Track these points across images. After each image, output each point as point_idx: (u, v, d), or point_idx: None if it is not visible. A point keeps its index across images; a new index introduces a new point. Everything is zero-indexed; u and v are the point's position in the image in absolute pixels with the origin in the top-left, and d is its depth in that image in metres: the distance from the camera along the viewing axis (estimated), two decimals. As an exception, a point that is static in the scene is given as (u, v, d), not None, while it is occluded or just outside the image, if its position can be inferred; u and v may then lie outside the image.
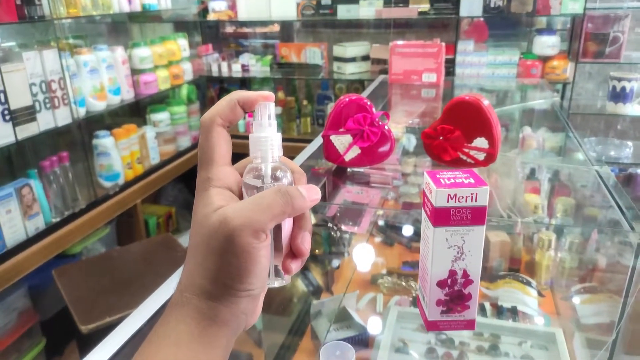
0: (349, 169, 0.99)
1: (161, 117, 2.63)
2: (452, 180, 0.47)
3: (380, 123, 0.88)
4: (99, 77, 2.19)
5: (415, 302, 1.04)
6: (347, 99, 0.88)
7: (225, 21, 3.12)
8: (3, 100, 1.68)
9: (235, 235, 0.32)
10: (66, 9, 2.03)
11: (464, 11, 2.46)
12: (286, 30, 3.18)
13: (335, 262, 1.23)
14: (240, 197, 0.37)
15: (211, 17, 3.02)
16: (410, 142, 1.29)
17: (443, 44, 1.83)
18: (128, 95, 2.40)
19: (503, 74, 2.53)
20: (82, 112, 2.09)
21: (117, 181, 2.27)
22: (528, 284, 1.07)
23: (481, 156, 0.85)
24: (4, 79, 1.67)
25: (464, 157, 0.86)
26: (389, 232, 1.31)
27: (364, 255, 1.27)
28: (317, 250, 1.22)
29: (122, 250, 2.06)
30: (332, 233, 1.22)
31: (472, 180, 0.47)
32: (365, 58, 2.85)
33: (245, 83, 3.15)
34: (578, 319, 0.98)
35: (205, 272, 0.34)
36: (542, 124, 1.58)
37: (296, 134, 2.94)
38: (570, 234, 1.06)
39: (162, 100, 2.77)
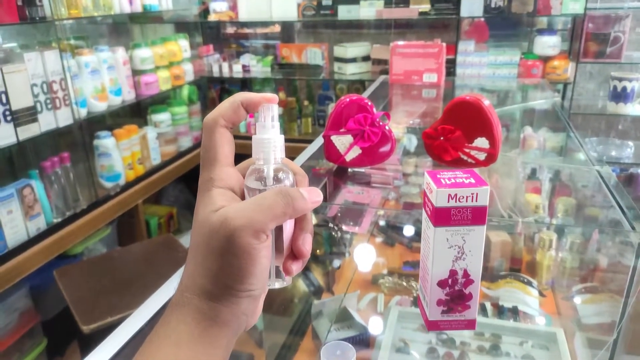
0: (349, 169, 0.99)
1: (162, 117, 2.63)
2: (453, 180, 0.47)
3: (381, 123, 0.88)
4: (100, 77, 2.20)
5: (416, 302, 1.04)
6: (347, 100, 0.88)
7: (226, 22, 3.13)
8: (4, 101, 1.68)
9: (236, 236, 0.32)
10: (67, 10, 2.04)
11: (464, 11, 2.46)
12: (287, 31, 3.18)
13: (336, 262, 1.23)
14: (243, 198, 0.37)
15: (212, 17, 3.02)
16: (411, 142, 1.29)
17: (444, 44, 1.83)
18: (129, 95, 2.40)
19: (504, 74, 2.52)
20: (83, 112, 2.09)
21: (118, 182, 2.27)
22: (529, 283, 1.07)
23: (482, 156, 0.85)
24: (5, 80, 1.67)
25: (465, 157, 0.86)
26: (389, 232, 1.31)
27: (364, 256, 1.27)
28: (318, 251, 1.22)
29: (123, 251, 2.06)
30: (333, 233, 1.22)
31: (472, 180, 0.47)
32: (366, 58, 2.86)
33: (246, 84, 3.15)
34: (579, 318, 0.98)
35: (205, 272, 0.34)
36: (543, 124, 1.58)
37: (297, 134, 2.95)
38: (571, 234, 1.06)
39: (163, 100, 2.77)
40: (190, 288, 0.34)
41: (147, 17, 2.81)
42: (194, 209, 0.36)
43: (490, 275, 1.12)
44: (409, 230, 1.30)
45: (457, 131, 0.85)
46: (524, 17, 2.50)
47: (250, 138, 0.37)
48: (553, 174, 1.28)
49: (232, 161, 0.38)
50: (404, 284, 1.11)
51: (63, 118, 1.95)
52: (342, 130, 0.89)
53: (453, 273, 0.50)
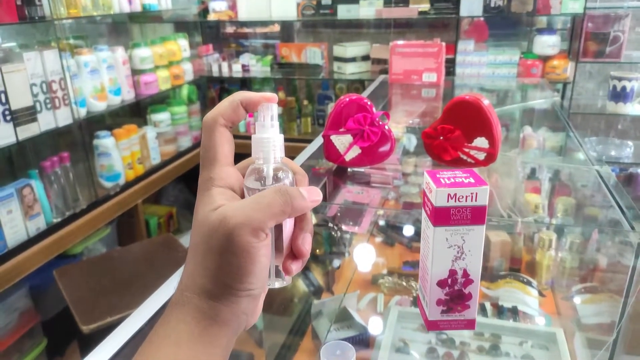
0: (349, 169, 0.99)
1: (162, 117, 2.63)
2: (452, 180, 0.47)
3: (380, 123, 0.88)
4: (100, 77, 2.19)
5: (416, 302, 1.04)
6: (347, 99, 0.88)
7: (225, 21, 3.12)
8: (4, 100, 1.68)
9: (235, 234, 0.32)
10: (67, 10, 2.04)
11: (464, 11, 2.46)
12: (286, 31, 3.18)
13: (336, 262, 1.23)
14: (242, 197, 0.37)
15: (211, 17, 3.02)
16: (411, 142, 1.29)
17: (443, 43, 1.83)
18: (128, 95, 2.40)
19: (503, 74, 2.52)
20: (82, 112, 2.09)
21: (117, 181, 2.27)
22: (529, 283, 1.07)
23: (481, 156, 0.85)
24: (4, 80, 1.67)
25: (464, 157, 0.86)
26: (389, 232, 1.31)
27: (364, 255, 1.27)
28: (317, 250, 1.22)
29: (123, 251, 2.06)
30: (333, 233, 1.22)
31: (472, 180, 0.47)
32: (366, 58, 2.86)
33: (245, 83, 3.15)
34: (579, 318, 0.98)
35: (205, 272, 0.34)
36: (542, 123, 1.58)
37: (297, 134, 2.94)
38: (570, 234, 1.06)
39: (162, 100, 2.77)
40: (190, 287, 0.34)
41: (146, 17, 2.81)
42: (194, 208, 0.36)
43: (489, 275, 1.12)
44: (408, 230, 1.30)
45: (457, 131, 0.85)
46: (523, 17, 2.51)
47: (250, 138, 0.37)
48: (552, 173, 1.28)
49: (232, 160, 0.38)
50: (404, 284, 1.11)
51: (62, 118, 1.95)
52: (341, 129, 0.89)
53: (452, 273, 0.50)
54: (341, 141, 0.90)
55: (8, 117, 1.70)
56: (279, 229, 0.36)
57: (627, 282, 0.75)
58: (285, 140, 0.38)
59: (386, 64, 2.47)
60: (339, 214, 1.24)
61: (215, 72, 3.02)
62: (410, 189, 1.13)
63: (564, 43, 2.56)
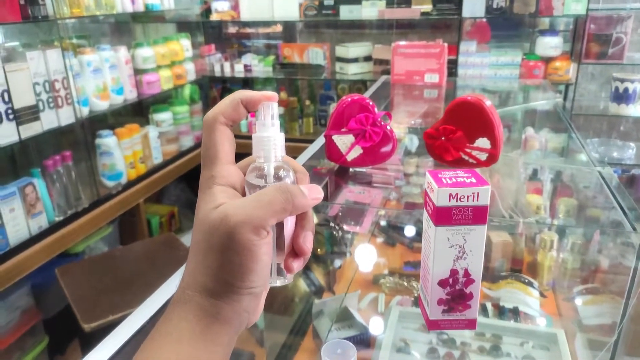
0: (351, 169, 0.99)
1: (164, 116, 2.63)
2: (454, 180, 0.47)
3: (382, 123, 0.88)
4: (102, 76, 2.20)
5: (417, 302, 1.04)
6: (349, 99, 0.88)
7: (228, 21, 3.13)
8: (7, 99, 1.68)
9: (236, 232, 0.32)
10: (70, 9, 2.04)
11: (466, 12, 2.46)
12: (289, 31, 3.18)
13: (337, 262, 1.23)
14: (244, 195, 0.37)
15: (214, 17, 3.03)
16: (413, 142, 1.29)
17: (445, 44, 1.83)
18: (131, 95, 2.41)
19: (505, 75, 2.52)
20: (85, 111, 2.09)
21: (119, 180, 2.27)
22: (530, 284, 1.07)
23: (483, 156, 0.85)
24: (7, 79, 1.68)
25: (466, 158, 0.86)
26: (390, 232, 1.31)
27: (365, 255, 1.27)
28: (319, 250, 1.22)
29: (124, 250, 2.07)
30: (334, 233, 1.22)
31: (473, 180, 0.47)
32: (368, 58, 2.86)
33: (247, 83, 3.16)
34: (580, 319, 0.98)
35: (206, 270, 0.34)
36: (544, 124, 1.58)
37: (298, 134, 2.95)
38: (572, 235, 1.06)
39: (164, 100, 2.78)
40: (192, 285, 0.34)
41: (149, 17, 2.82)
42: (195, 206, 0.36)
43: (491, 275, 1.12)
44: (410, 231, 1.30)
45: (459, 131, 0.85)
46: (526, 18, 2.50)
47: (251, 137, 0.37)
48: (554, 174, 1.27)
49: (233, 159, 0.38)
50: (405, 284, 1.11)
51: (65, 117, 1.95)
52: (343, 130, 0.89)
53: (454, 272, 0.50)
54: (343, 141, 0.90)
55: (11, 116, 1.70)
56: (280, 227, 0.36)
57: (629, 283, 0.75)
58: (287, 140, 0.38)
59: (388, 64, 2.47)
60: (340, 214, 1.24)
61: (217, 72, 3.03)
62: (412, 189, 1.13)
63: (567, 44, 2.55)
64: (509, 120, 1.60)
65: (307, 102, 2.98)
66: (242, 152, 0.39)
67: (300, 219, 0.38)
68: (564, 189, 1.20)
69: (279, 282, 0.38)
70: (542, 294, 1.07)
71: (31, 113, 1.79)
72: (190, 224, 2.84)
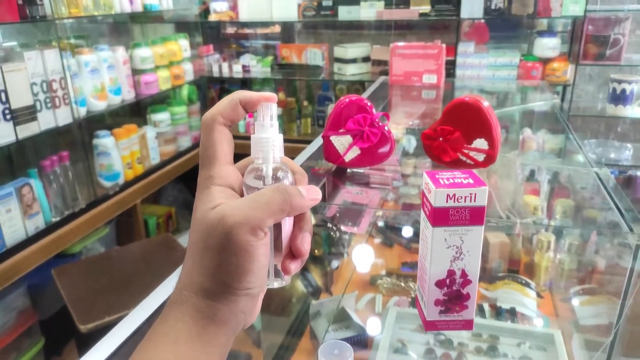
0: (348, 170, 0.99)
1: (162, 117, 2.63)
2: (451, 181, 0.47)
3: (380, 124, 0.88)
4: (100, 77, 2.19)
5: (414, 303, 1.04)
6: (347, 100, 0.88)
7: (226, 22, 3.13)
8: (4, 99, 1.68)
9: (233, 233, 0.32)
10: (68, 9, 2.04)
11: (464, 13, 2.46)
12: (287, 31, 3.18)
13: (335, 263, 1.23)
14: (242, 195, 0.37)
15: (212, 17, 3.03)
16: (410, 143, 1.29)
17: (444, 45, 1.83)
18: (129, 95, 2.40)
19: (503, 76, 2.53)
20: (82, 111, 2.09)
21: (117, 181, 2.27)
22: (527, 285, 1.07)
23: (481, 157, 0.85)
24: (5, 79, 1.67)
25: (464, 158, 0.86)
26: (388, 233, 1.31)
27: (363, 256, 1.27)
28: (316, 251, 1.22)
29: (121, 250, 2.06)
30: (332, 233, 1.22)
31: (471, 181, 0.47)
32: (366, 59, 2.86)
33: (246, 84, 3.15)
34: (577, 320, 0.98)
35: (203, 270, 0.34)
36: (542, 125, 1.58)
37: (296, 134, 2.95)
38: (569, 236, 1.06)
39: (162, 100, 2.77)
40: (189, 286, 0.34)
41: (147, 17, 2.81)
42: (193, 207, 0.36)
43: (488, 276, 1.12)
44: (407, 231, 1.30)
45: (456, 132, 0.85)
46: (524, 19, 2.51)
47: (249, 138, 0.37)
48: (552, 175, 1.28)
49: (232, 159, 0.38)
50: (402, 284, 1.11)
51: (62, 117, 1.95)
52: (341, 130, 0.89)
53: (451, 273, 0.50)
54: (341, 142, 0.90)
55: (8, 116, 1.70)
56: (278, 228, 0.36)
57: (625, 284, 0.75)
58: (285, 141, 0.38)
59: (386, 65, 2.48)
60: (338, 215, 1.24)
61: (215, 73, 3.03)
62: (410, 190, 1.13)
63: (564, 45, 2.56)
64: (507, 121, 1.60)
65: (305, 103, 2.98)
66: (240, 153, 0.39)
67: (298, 220, 0.38)
68: (561, 189, 1.21)
69: (276, 284, 0.38)
70: (539, 295, 1.07)
71: (28, 113, 1.78)
72: (187, 224, 2.83)
